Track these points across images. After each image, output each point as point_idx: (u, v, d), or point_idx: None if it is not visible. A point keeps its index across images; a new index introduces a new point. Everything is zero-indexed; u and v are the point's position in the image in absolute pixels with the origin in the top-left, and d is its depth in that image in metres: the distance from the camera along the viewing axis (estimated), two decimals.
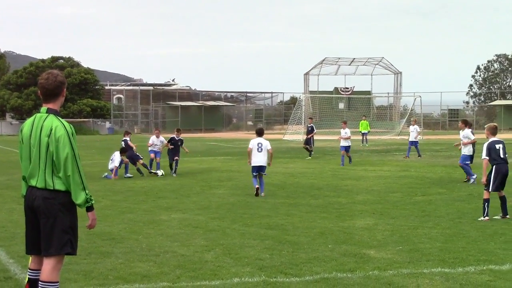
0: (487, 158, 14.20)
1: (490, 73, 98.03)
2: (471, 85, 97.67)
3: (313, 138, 34.98)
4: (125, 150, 25.13)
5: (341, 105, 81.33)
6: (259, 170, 18.54)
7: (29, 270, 7.10)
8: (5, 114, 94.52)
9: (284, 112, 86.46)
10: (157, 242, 11.72)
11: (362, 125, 49.05)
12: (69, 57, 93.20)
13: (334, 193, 18.90)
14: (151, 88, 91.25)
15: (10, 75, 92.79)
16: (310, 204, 16.76)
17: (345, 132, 30.18)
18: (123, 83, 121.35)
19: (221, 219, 14.31)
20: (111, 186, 20.98)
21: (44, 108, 6.84)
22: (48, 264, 6.72)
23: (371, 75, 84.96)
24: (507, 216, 14.15)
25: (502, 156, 14.19)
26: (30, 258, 7.08)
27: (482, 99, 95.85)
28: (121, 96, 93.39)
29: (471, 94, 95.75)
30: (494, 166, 14.19)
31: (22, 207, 7.32)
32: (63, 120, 6.78)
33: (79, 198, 6.67)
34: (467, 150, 21.89)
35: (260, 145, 18.69)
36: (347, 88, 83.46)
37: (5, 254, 10.60)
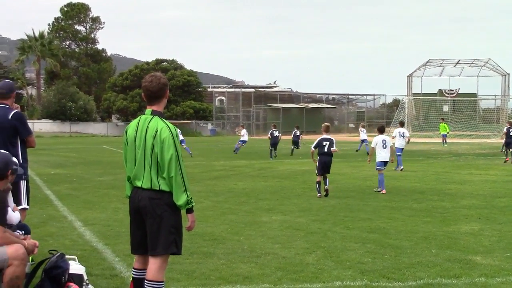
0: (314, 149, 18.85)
1: None
2: None
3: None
4: None
5: (446, 108, 79.66)
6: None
7: (133, 270, 7.21)
8: (111, 115, 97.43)
9: (386, 114, 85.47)
10: (258, 243, 11.73)
11: (441, 127, 51.53)
12: (172, 60, 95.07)
13: (437, 197, 18.49)
14: (252, 90, 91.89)
15: (116, 78, 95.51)
16: (413, 207, 16.45)
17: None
18: (225, 85, 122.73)
19: (322, 221, 14.22)
20: (213, 187, 21.20)
21: (148, 110, 6.87)
22: (154, 264, 6.78)
23: (477, 76, 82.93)
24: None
25: (326, 150, 18.49)
26: (135, 257, 7.20)
27: None
28: (223, 98, 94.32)
29: None
30: (319, 157, 18.50)
31: (126, 206, 7.45)
32: (167, 122, 6.81)
33: (180, 199, 6.67)
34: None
35: (384, 141, 20.34)
36: (452, 90, 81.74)
37: (111, 252, 10.84)
